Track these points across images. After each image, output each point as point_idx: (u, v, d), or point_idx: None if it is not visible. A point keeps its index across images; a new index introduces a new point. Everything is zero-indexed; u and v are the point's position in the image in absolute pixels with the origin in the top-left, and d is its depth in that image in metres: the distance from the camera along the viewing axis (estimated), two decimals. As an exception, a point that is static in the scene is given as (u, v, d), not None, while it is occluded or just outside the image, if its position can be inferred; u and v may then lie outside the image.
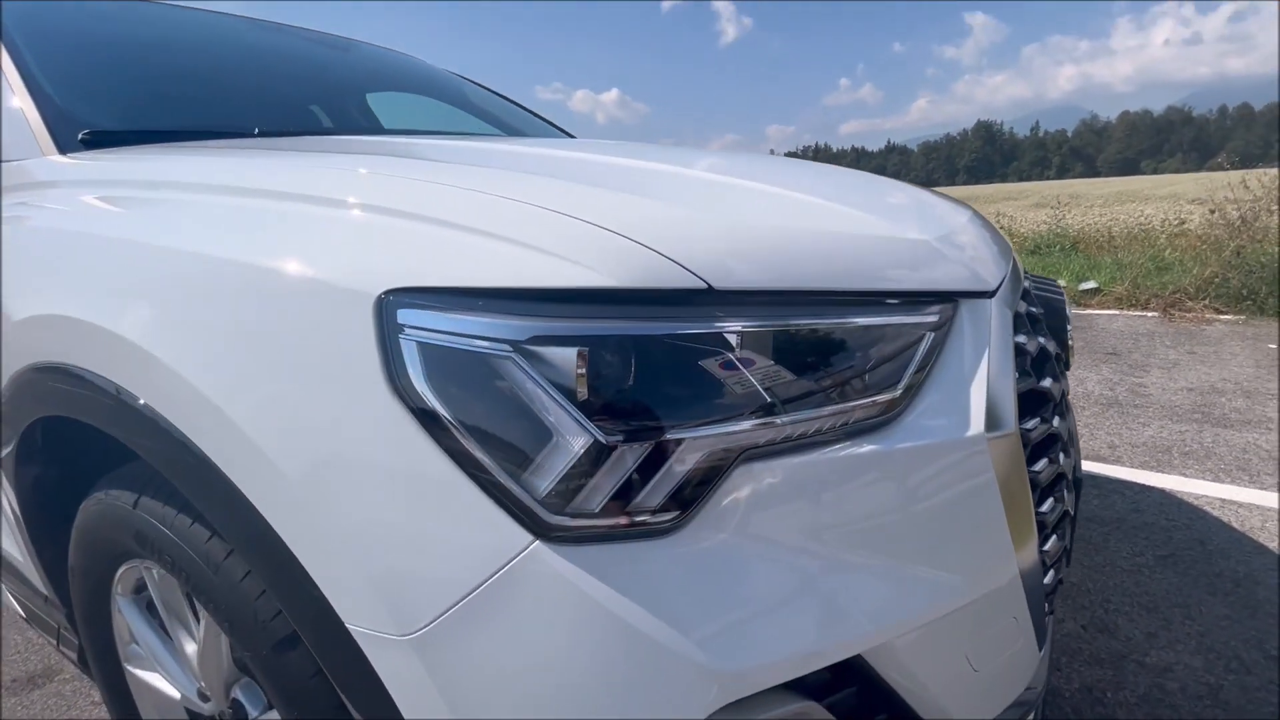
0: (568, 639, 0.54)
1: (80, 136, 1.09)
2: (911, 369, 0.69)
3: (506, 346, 0.55)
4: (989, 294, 0.78)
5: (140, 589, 0.96)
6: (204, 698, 0.93)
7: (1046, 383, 0.86)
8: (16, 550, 1.16)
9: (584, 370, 0.55)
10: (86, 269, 0.82)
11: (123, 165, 1.00)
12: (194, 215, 0.80)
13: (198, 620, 0.88)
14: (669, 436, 0.56)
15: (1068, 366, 1.07)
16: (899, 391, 0.67)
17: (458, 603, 0.56)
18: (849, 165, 1.45)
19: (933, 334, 0.71)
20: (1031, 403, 0.83)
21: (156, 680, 0.99)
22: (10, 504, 1.06)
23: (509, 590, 0.55)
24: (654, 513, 0.56)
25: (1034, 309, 0.97)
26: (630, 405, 0.56)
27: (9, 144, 1.10)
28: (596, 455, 0.54)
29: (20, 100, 1.13)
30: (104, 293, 0.77)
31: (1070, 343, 1.08)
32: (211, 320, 0.67)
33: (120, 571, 0.94)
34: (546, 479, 0.55)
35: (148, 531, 0.79)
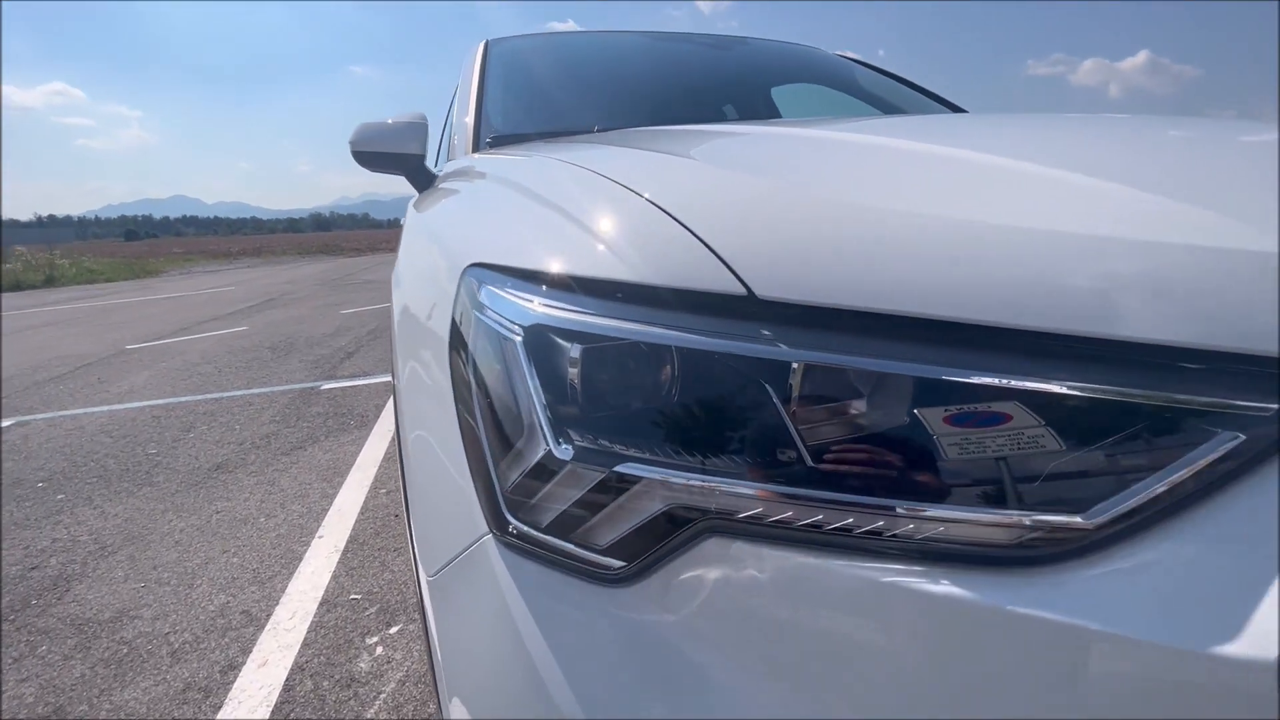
0: (485, 640, 0.51)
1: (487, 140, 1.46)
2: (1149, 485, 0.38)
3: (518, 329, 0.53)
4: None
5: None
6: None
7: None
8: None
9: (570, 371, 0.49)
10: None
11: (486, 159, 1.31)
12: (457, 190, 1.05)
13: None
14: (625, 470, 0.45)
15: None
16: (1097, 518, 0.38)
17: (450, 561, 0.58)
18: None
19: (1236, 439, 0.37)
20: None
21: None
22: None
23: (469, 568, 0.54)
24: (600, 552, 0.46)
25: None
26: (597, 422, 0.47)
27: (456, 147, 1.57)
28: (551, 467, 0.48)
29: (469, 117, 1.58)
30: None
31: None
32: (411, 249, 0.96)
33: None
34: (513, 474, 0.51)
35: None
